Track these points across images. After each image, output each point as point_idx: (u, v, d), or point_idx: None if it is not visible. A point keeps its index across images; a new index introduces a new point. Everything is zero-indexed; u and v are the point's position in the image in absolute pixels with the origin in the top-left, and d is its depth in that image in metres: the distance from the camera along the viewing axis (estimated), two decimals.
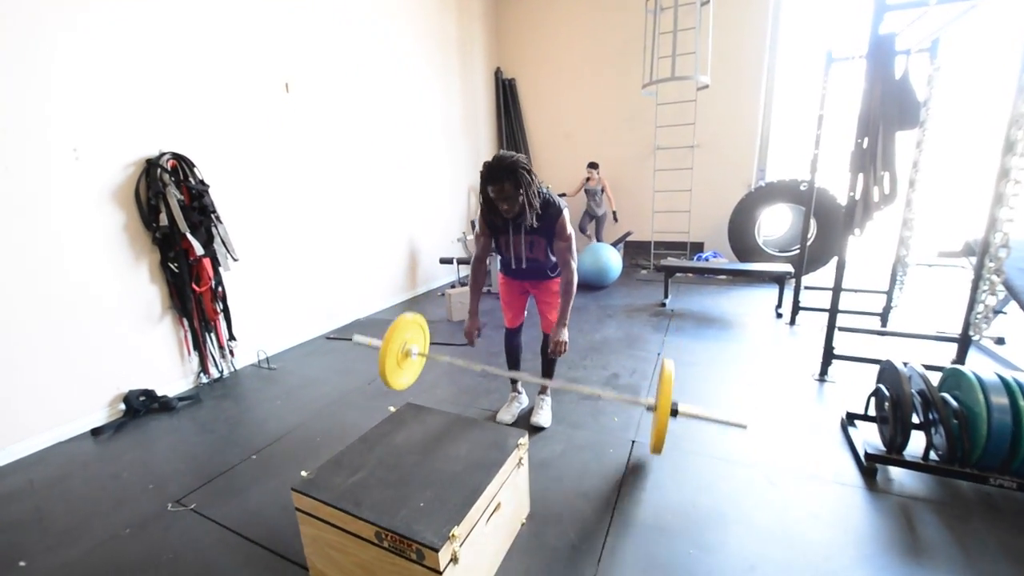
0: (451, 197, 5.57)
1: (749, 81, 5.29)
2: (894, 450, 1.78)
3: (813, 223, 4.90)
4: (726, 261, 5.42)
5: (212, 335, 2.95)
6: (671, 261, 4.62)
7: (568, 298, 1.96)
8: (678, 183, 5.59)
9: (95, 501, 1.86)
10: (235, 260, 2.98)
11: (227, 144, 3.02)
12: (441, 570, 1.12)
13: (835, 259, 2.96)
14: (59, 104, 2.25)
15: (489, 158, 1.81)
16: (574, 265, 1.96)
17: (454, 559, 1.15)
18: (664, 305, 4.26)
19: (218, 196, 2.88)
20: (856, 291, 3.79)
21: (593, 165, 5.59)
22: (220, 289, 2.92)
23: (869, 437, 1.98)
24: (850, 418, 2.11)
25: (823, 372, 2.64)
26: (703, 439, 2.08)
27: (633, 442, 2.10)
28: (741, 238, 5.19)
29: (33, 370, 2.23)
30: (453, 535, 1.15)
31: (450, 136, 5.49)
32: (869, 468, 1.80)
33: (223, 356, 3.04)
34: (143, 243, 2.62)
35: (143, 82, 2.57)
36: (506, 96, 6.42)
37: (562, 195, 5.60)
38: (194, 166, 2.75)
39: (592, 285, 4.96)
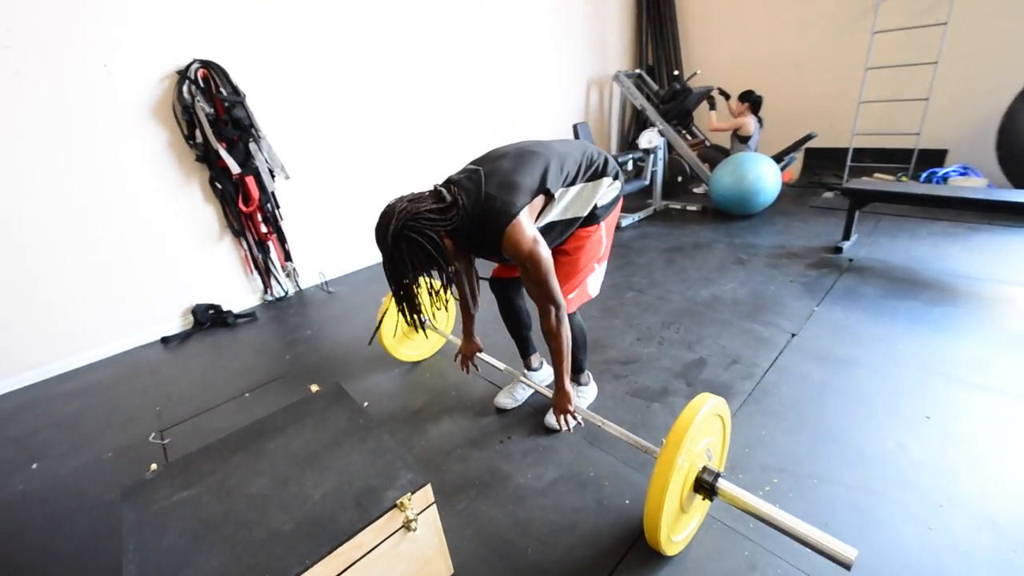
0: (560, 97, 4.54)
1: None
2: None
3: None
4: (983, 183, 3.36)
5: (270, 256, 2.94)
6: (871, 182, 2.99)
7: (559, 356, 1.24)
8: (914, 52, 3.50)
9: (115, 414, 1.99)
10: (286, 178, 2.82)
11: (271, 46, 2.71)
12: None
13: None
14: (85, 13, 2.16)
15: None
16: (553, 308, 1.19)
17: None
18: (840, 251, 2.81)
19: (261, 108, 2.66)
20: None
21: (749, 96, 3.90)
22: (270, 208, 2.82)
23: None
24: None
25: None
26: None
27: None
28: None
29: (109, 280, 2.45)
30: None
31: (566, 17, 4.32)
32: None
33: (287, 276, 3.06)
34: (190, 161, 2.59)
35: None
36: None
37: (714, 91, 4.06)
38: (227, 75, 2.52)
39: (729, 213, 3.63)
